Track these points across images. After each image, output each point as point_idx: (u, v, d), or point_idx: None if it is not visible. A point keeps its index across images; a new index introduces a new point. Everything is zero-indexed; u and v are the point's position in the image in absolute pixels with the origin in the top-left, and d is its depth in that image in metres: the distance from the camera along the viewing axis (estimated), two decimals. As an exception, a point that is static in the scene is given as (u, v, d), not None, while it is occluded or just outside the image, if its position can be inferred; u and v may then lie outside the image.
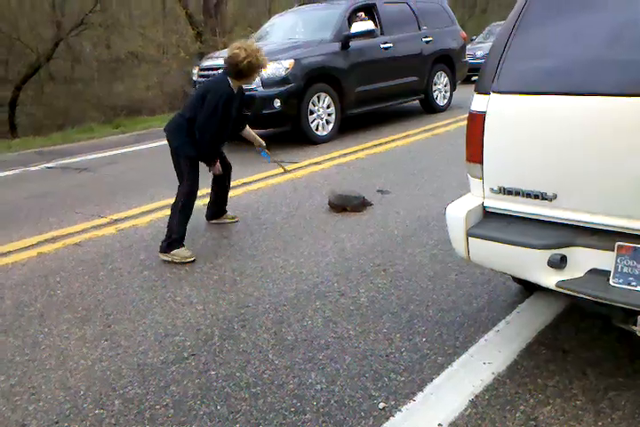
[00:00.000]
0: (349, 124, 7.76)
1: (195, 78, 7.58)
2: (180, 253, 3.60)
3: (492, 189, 2.28)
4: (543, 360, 2.36)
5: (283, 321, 2.80)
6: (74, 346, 2.68)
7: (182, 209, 3.70)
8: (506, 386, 2.21)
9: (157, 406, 2.20)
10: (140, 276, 3.43)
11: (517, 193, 2.21)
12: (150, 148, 7.77)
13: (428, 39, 8.50)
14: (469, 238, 2.25)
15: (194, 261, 3.60)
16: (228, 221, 4.31)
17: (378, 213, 4.34)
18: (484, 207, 2.33)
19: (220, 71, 3.84)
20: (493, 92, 2.21)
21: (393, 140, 6.97)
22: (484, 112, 2.22)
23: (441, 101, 8.94)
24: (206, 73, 7.32)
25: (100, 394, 2.30)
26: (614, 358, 2.34)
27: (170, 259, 3.60)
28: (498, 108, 2.20)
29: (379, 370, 2.36)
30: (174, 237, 3.63)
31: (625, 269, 1.98)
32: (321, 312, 2.87)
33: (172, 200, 4.82)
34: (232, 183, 5.27)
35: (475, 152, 2.28)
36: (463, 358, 2.42)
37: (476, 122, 2.25)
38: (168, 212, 4.52)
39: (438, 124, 7.89)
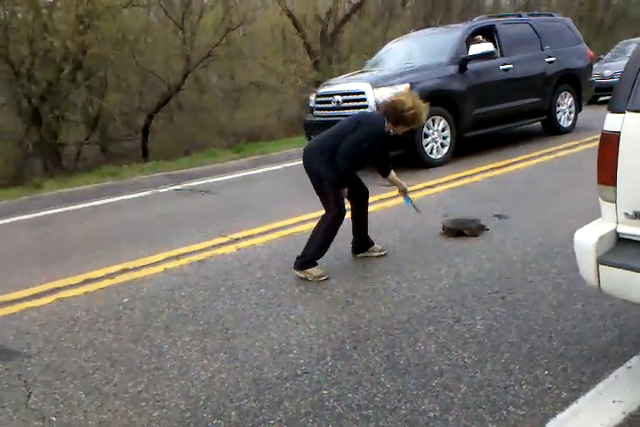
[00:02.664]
0: (466, 147, 7.61)
1: (311, 104, 7.82)
2: (312, 272, 3.68)
3: (626, 214, 2.13)
4: (682, 403, 2.14)
5: (395, 345, 2.76)
6: (195, 357, 2.81)
7: (326, 231, 3.70)
8: (640, 428, 2.03)
9: (272, 421, 2.24)
10: (257, 293, 3.55)
11: (655, 219, 2.05)
12: (267, 171, 8.10)
13: (551, 59, 8.19)
14: (600, 266, 2.11)
15: (327, 278, 3.67)
16: (375, 254, 4.02)
17: (495, 238, 4.19)
18: (617, 233, 2.18)
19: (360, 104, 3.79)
20: (629, 110, 2.08)
21: (512, 164, 6.74)
22: (619, 132, 2.10)
23: (565, 123, 8.54)
24: (323, 99, 7.53)
25: (218, 405, 2.39)
26: None
27: (304, 276, 3.69)
28: (634, 127, 2.07)
29: (496, 402, 2.25)
30: (308, 258, 3.71)
31: None
32: (434, 338, 2.79)
33: (288, 221, 5.03)
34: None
35: (607, 174, 2.15)
36: (590, 394, 2.25)
37: (610, 142, 2.13)
38: (284, 232, 4.74)
39: (562, 146, 7.52)
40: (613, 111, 2.13)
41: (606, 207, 2.19)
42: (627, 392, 2.23)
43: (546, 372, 2.43)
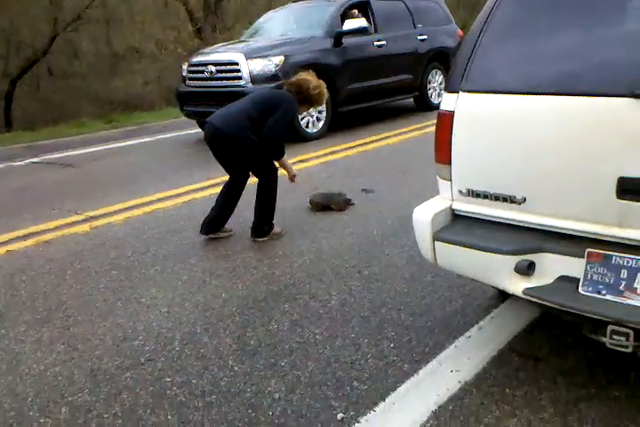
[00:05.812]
0: (342, 122, 7.65)
1: (184, 74, 7.48)
2: (276, 232, 3.83)
3: (460, 192, 2.18)
4: (513, 369, 2.27)
5: (248, 325, 2.70)
6: (28, 350, 2.58)
7: (272, 196, 3.78)
8: (472, 396, 2.12)
9: (105, 415, 2.10)
10: (108, 275, 3.34)
11: (486, 196, 2.12)
12: (139, 143, 7.67)
13: (422, 37, 8.38)
14: (435, 242, 2.15)
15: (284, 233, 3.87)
16: (224, 235, 3.88)
17: (360, 212, 4.24)
18: (453, 210, 2.23)
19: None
20: (462, 91, 2.11)
21: (384, 138, 6.87)
22: (453, 111, 2.13)
23: (436, 99, 8.80)
24: (196, 69, 7.22)
25: (48, 401, 2.20)
26: (587, 368, 2.24)
27: (268, 238, 3.79)
28: (466, 107, 2.10)
29: (341, 378, 2.26)
30: (268, 224, 3.79)
31: (595, 277, 1.89)
32: (289, 315, 2.77)
33: (151, 197, 4.81)
34: (207, 182, 5.18)
35: (443, 153, 2.19)
36: (430, 365, 2.32)
37: (445, 122, 2.15)
38: (147, 208, 4.53)
39: (431, 122, 7.72)
40: (448, 91, 2.16)
41: (443, 185, 2.24)
42: (464, 361, 2.33)
43: (392, 345, 2.48)
